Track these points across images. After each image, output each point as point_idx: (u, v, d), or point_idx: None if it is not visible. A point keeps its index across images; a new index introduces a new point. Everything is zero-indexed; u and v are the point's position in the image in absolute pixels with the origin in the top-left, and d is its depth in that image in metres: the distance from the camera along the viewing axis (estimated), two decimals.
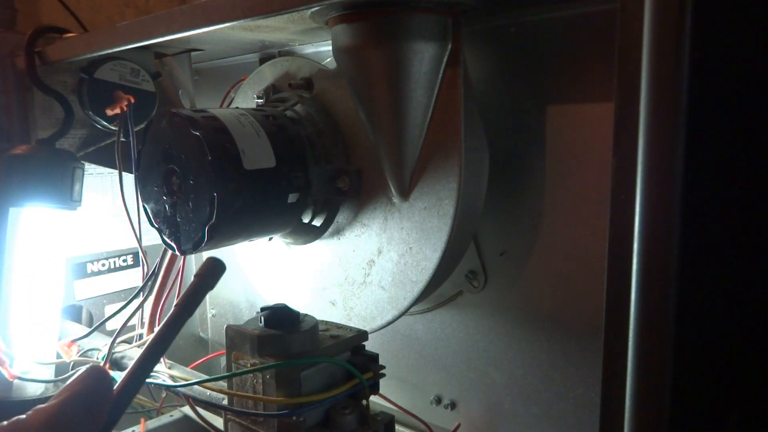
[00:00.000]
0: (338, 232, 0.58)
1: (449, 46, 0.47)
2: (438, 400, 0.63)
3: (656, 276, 0.31)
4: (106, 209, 0.79)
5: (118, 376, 0.59)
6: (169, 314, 0.35)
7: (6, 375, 0.61)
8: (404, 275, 0.53)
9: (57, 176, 0.64)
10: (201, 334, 0.94)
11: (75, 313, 0.78)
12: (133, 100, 0.64)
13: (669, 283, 0.31)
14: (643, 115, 0.30)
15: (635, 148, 0.31)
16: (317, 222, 0.58)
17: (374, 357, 0.48)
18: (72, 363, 0.65)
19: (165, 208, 0.52)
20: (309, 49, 0.65)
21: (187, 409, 0.67)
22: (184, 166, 0.50)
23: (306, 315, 0.46)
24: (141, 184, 0.55)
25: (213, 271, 0.36)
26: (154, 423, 0.66)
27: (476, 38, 0.54)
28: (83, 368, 0.34)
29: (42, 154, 0.64)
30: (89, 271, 0.80)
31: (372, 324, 0.55)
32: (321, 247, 0.60)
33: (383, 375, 0.48)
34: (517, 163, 0.54)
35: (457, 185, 0.48)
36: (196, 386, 0.50)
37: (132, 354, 0.64)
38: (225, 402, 0.47)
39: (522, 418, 0.57)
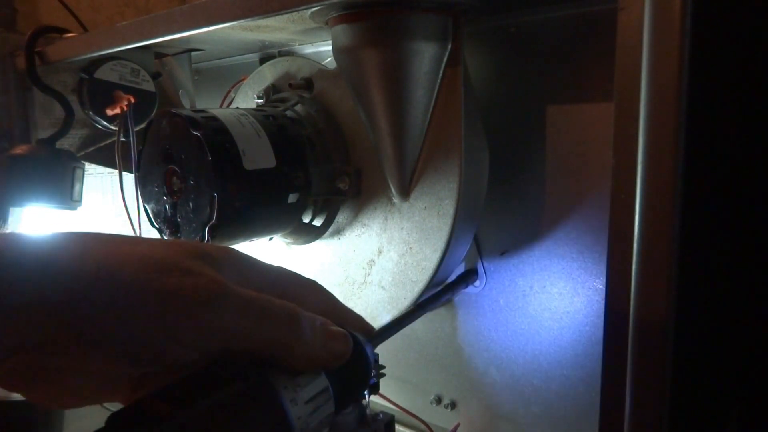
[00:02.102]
0: (338, 232, 0.58)
1: (449, 46, 0.47)
2: (438, 400, 0.63)
3: (656, 275, 0.31)
4: (107, 209, 0.79)
5: None
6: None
7: None
8: (404, 275, 0.53)
9: (57, 176, 0.64)
10: None
11: None
12: (133, 100, 0.64)
13: (669, 282, 0.31)
14: (643, 115, 0.30)
15: (635, 148, 0.31)
16: (317, 222, 0.58)
17: (374, 357, 0.48)
18: None
19: (165, 208, 0.52)
20: (309, 49, 0.65)
21: None
22: (185, 166, 0.50)
23: None
24: (141, 185, 0.55)
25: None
26: None
27: (476, 38, 0.54)
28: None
29: (42, 154, 0.64)
30: None
31: (372, 324, 0.55)
32: (321, 247, 0.60)
33: (383, 375, 0.48)
34: (517, 163, 0.54)
35: (457, 185, 0.48)
36: None
37: None
38: None
39: (522, 418, 0.57)
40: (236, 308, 0.26)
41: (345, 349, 0.31)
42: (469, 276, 0.57)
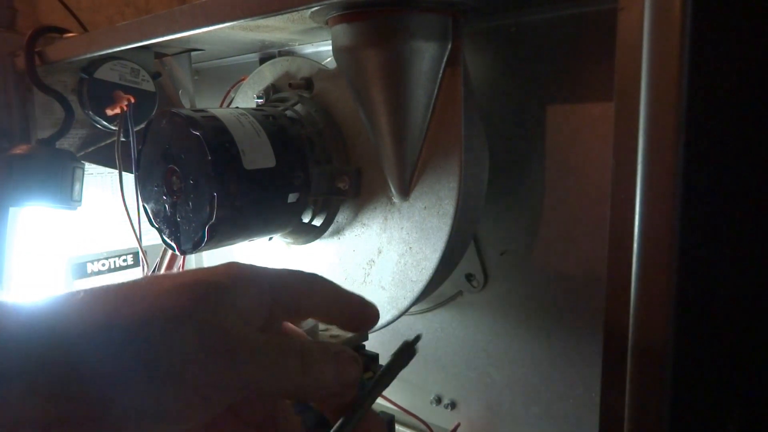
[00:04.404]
0: (338, 231, 0.58)
1: (449, 46, 0.47)
2: (438, 400, 0.63)
3: (656, 276, 0.31)
4: (107, 207, 0.79)
5: None
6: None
7: None
8: (404, 275, 0.53)
9: (57, 176, 0.64)
10: None
11: None
12: (133, 100, 0.64)
13: (669, 282, 0.31)
14: (643, 115, 0.30)
15: (635, 148, 0.31)
16: (317, 222, 0.58)
17: (374, 357, 0.48)
18: None
19: (165, 208, 0.52)
20: (309, 49, 0.65)
21: None
22: (184, 166, 0.50)
23: None
24: (141, 184, 0.55)
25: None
26: None
27: (476, 38, 0.54)
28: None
29: (42, 154, 0.64)
30: (89, 271, 0.80)
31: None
32: (321, 247, 0.60)
33: None
34: (517, 163, 0.54)
35: (457, 185, 0.48)
36: None
37: None
38: None
39: (522, 418, 0.57)
40: (252, 359, 0.26)
41: (356, 375, 0.31)
42: (410, 349, 0.43)
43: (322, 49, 0.64)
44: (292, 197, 0.53)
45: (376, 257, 0.55)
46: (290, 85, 0.59)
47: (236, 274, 0.28)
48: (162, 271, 0.71)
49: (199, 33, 0.50)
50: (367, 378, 0.45)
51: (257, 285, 0.29)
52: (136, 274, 0.84)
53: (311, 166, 0.54)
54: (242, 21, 0.46)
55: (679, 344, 0.31)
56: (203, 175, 0.48)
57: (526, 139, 0.53)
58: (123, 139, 0.64)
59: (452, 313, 0.61)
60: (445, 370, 0.62)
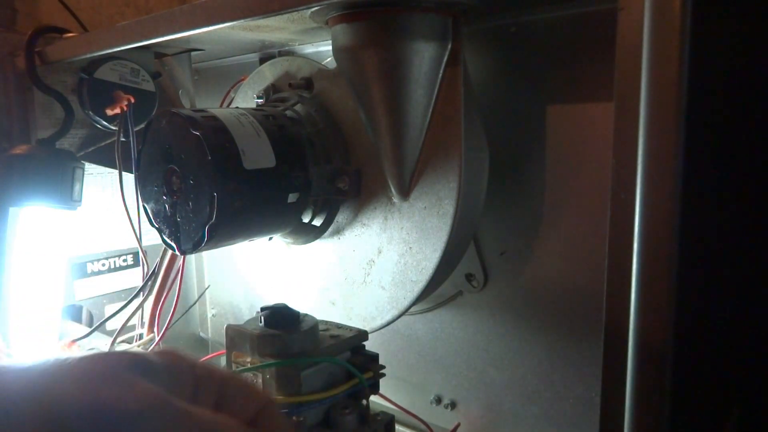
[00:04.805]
0: (338, 231, 0.58)
1: (449, 46, 0.48)
2: (438, 400, 0.63)
3: (656, 276, 0.31)
4: (109, 208, 0.78)
5: None
6: None
7: None
8: (404, 275, 0.53)
9: (57, 176, 0.64)
10: (201, 334, 0.94)
11: (75, 313, 0.78)
12: (133, 100, 0.64)
13: (669, 282, 0.31)
14: (643, 115, 0.30)
15: (635, 148, 0.31)
16: (317, 222, 0.58)
17: (374, 357, 0.48)
18: None
19: (165, 208, 0.52)
20: (309, 49, 0.65)
21: None
22: (184, 165, 0.50)
23: (306, 315, 0.46)
24: (141, 184, 0.55)
25: None
26: None
27: (476, 38, 0.54)
28: None
29: (42, 154, 0.64)
30: (89, 271, 0.80)
31: (372, 324, 0.55)
32: (321, 246, 0.60)
33: (383, 375, 0.48)
34: (517, 163, 0.54)
35: (457, 185, 0.48)
36: None
37: None
38: None
39: (522, 418, 0.57)
40: (173, 421, 0.25)
41: None
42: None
43: (322, 49, 0.64)
44: (292, 197, 0.53)
45: (376, 257, 0.55)
46: (290, 85, 0.59)
47: (165, 353, 0.28)
48: (162, 270, 0.71)
49: (199, 33, 0.50)
50: (366, 378, 0.46)
51: (181, 364, 0.29)
52: (136, 274, 0.84)
53: (311, 166, 0.54)
54: (242, 21, 0.46)
55: (678, 344, 0.31)
56: (203, 175, 0.48)
57: (526, 139, 0.53)
58: (123, 139, 0.64)
59: (452, 313, 0.61)
60: (445, 370, 0.62)
